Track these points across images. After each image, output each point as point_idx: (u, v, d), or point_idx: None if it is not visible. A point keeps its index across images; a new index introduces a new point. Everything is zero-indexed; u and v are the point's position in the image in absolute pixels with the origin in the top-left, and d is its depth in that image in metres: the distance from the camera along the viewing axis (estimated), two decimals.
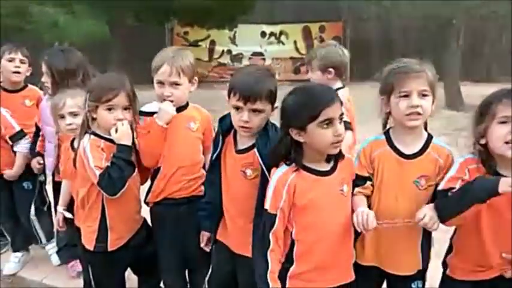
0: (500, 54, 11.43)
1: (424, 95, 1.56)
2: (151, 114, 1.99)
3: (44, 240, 2.94)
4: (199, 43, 11.34)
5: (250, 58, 11.25)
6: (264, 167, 1.67)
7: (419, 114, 1.56)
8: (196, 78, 2.03)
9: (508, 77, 11.11)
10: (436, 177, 1.59)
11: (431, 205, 1.56)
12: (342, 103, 1.54)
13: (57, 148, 2.51)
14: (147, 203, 2.09)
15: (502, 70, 11.43)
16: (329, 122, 1.49)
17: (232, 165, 1.78)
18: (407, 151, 1.62)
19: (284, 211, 1.56)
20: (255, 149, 1.69)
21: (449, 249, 1.70)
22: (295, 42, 11.45)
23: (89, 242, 1.95)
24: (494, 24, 10.79)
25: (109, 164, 1.81)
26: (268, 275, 1.55)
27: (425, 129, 1.67)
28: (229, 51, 11.49)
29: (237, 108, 1.66)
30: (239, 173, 1.75)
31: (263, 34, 11.45)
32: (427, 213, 1.52)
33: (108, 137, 1.89)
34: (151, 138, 1.94)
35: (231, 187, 1.79)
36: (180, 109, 2.00)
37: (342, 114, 1.54)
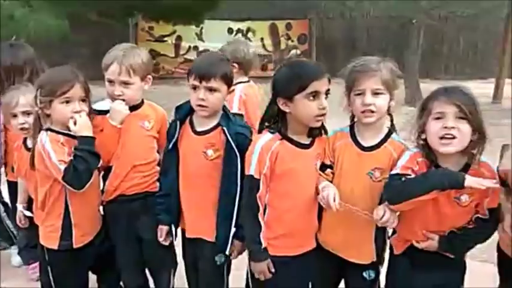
0: (458, 54, 11.94)
1: (378, 94, 1.62)
2: (102, 112, 1.96)
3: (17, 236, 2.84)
4: (165, 38, 11.15)
5: None
6: (233, 144, 1.74)
7: (372, 111, 1.62)
8: (150, 76, 2.01)
9: (465, 76, 11.67)
10: (390, 170, 1.65)
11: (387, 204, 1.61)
12: (329, 80, 1.63)
13: (2, 146, 2.45)
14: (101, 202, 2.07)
15: (460, 69, 11.98)
16: (315, 94, 1.59)
17: (192, 148, 1.83)
18: (366, 144, 1.70)
19: (266, 176, 1.65)
20: (222, 128, 1.76)
21: (393, 232, 1.78)
22: (262, 39, 11.46)
23: (52, 240, 1.90)
24: (452, 24, 11.25)
25: (72, 157, 1.76)
26: (261, 235, 1.66)
27: (392, 124, 1.74)
28: (195, 48, 11.32)
29: (194, 87, 1.76)
30: (200, 154, 1.80)
31: (230, 30, 11.38)
32: (387, 211, 1.57)
33: (65, 131, 1.84)
34: (105, 137, 1.91)
35: (191, 169, 1.83)
36: (134, 107, 1.98)
37: (329, 90, 1.63)
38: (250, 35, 11.46)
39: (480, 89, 9.89)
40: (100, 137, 1.90)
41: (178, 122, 1.86)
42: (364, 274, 1.77)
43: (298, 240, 1.74)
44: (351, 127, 1.76)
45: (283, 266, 1.71)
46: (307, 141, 1.71)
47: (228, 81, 1.79)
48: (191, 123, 1.86)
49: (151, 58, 2.07)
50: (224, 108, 1.85)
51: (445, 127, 1.49)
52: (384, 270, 1.82)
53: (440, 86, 1.60)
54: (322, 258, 1.80)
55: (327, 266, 1.81)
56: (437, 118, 1.52)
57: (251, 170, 1.65)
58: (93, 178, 1.84)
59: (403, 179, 1.56)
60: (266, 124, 1.72)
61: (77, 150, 1.78)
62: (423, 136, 1.58)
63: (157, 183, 2.02)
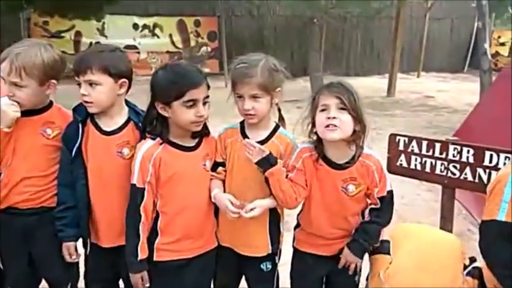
0: (357, 51, 12.87)
1: (256, 97, 1.66)
2: None
3: None
4: (63, 34, 10.27)
5: None
6: None
7: (252, 115, 1.67)
8: (54, 81, 1.76)
9: (363, 71, 12.61)
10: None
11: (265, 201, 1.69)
12: (208, 87, 1.64)
13: None
14: None
15: (359, 65, 12.92)
16: (193, 102, 1.59)
17: (104, 150, 1.74)
18: (255, 139, 1.73)
19: (152, 184, 1.64)
20: (134, 123, 1.74)
21: (297, 225, 1.86)
22: (170, 35, 11.17)
23: None
24: (350, 23, 12.07)
25: None
26: (139, 246, 1.64)
27: (281, 118, 1.80)
28: (98, 44, 10.69)
29: (79, 84, 1.69)
30: (114, 155, 1.73)
31: (135, 26, 10.88)
32: (257, 208, 1.64)
33: None
34: None
35: (106, 173, 1.74)
36: (36, 111, 1.79)
37: (207, 96, 1.64)
38: (157, 31, 11.11)
39: (377, 83, 10.84)
40: None
41: (80, 125, 1.73)
42: (261, 266, 1.81)
43: (196, 241, 1.74)
44: (241, 123, 1.79)
45: (182, 269, 1.70)
46: (192, 143, 1.71)
47: (111, 72, 1.67)
48: (94, 124, 1.75)
49: (61, 59, 1.79)
50: (128, 103, 1.79)
51: (328, 118, 1.59)
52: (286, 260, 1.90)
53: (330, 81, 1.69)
54: (222, 254, 1.82)
55: (227, 262, 1.84)
56: (322, 110, 1.62)
57: (134, 178, 1.63)
58: None
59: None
60: (148, 129, 1.68)
61: None
62: (314, 130, 1.67)
63: (55, 198, 1.82)
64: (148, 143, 1.66)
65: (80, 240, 1.86)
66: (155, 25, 11.03)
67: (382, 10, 9.30)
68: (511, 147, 2.08)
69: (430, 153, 2.23)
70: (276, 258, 1.86)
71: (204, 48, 11.47)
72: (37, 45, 1.75)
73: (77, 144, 1.73)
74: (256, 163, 1.64)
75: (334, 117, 1.59)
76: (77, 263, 1.96)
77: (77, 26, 10.11)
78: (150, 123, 1.67)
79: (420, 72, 12.38)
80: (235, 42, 11.35)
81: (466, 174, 2.13)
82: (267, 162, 1.63)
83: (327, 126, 1.60)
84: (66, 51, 10.35)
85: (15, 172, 1.78)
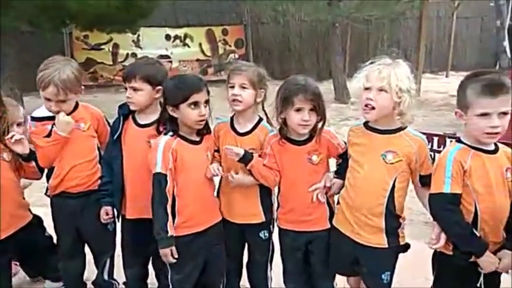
0: (383, 52, 12.83)
1: (244, 87, 2.04)
2: (42, 119, 2.17)
3: None
4: (102, 46, 11.01)
5: None
6: None
7: (239, 101, 2.04)
8: (82, 87, 2.20)
9: None
10: (260, 150, 2.10)
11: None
12: (208, 92, 1.99)
13: None
14: (48, 196, 2.30)
15: None
16: (195, 104, 1.92)
17: (136, 139, 2.12)
18: (241, 130, 2.11)
19: (172, 170, 1.94)
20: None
21: (278, 206, 2.16)
22: (200, 44, 11.68)
23: None
24: (375, 25, 12.13)
25: None
26: (168, 224, 1.92)
27: (266, 116, 2.15)
28: (134, 55, 11.26)
29: (125, 88, 2.12)
30: (145, 144, 2.08)
31: (168, 37, 11.48)
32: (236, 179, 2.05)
33: None
34: (54, 146, 2.14)
35: (136, 158, 2.11)
36: (68, 113, 2.19)
37: (208, 100, 1.98)
38: (188, 41, 11.64)
39: None
40: (48, 145, 2.13)
41: (121, 118, 2.15)
42: (260, 234, 2.16)
43: (206, 216, 2.08)
44: (231, 118, 2.16)
45: (197, 238, 2.03)
46: (197, 138, 2.06)
47: (151, 80, 2.07)
48: (134, 119, 2.17)
49: (84, 68, 2.27)
50: (161, 104, 2.11)
51: (304, 120, 1.93)
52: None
53: (296, 82, 1.98)
54: (226, 227, 2.17)
55: (231, 233, 2.17)
56: (297, 110, 1.93)
57: (157, 167, 1.93)
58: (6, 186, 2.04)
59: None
60: (162, 127, 2.05)
61: None
62: (282, 116, 1.98)
63: (99, 181, 2.23)
64: (166, 137, 1.98)
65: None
66: (186, 35, 11.55)
67: (405, 12, 9.38)
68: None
69: (429, 146, 2.36)
70: (271, 227, 2.18)
71: (231, 56, 11.89)
72: (65, 64, 2.11)
73: (118, 132, 2.14)
74: (238, 161, 2.02)
75: (308, 120, 1.92)
76: (114, 237, 2.35)
77: (114, 38, 10.79)
78: (163, 123, 2.03)
79: (449, 72, 12.25)
80: (261, 48, 11.72)
81: None
82: (245, 159, 2.00)
83: (301, 124, 1.93)
84: (105, 62, 11.16)
85: (64, 163, 2.19)
